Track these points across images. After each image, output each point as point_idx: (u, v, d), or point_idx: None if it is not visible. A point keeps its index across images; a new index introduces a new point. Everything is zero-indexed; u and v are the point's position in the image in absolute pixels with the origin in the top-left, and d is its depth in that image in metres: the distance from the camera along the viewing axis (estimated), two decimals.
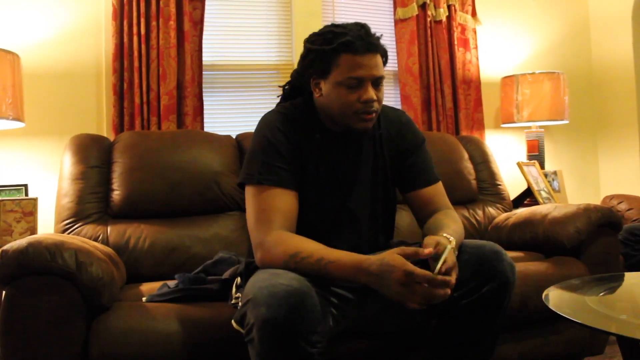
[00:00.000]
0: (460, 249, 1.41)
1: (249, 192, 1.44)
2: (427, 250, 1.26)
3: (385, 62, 1.47)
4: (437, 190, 1.58)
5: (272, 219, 1.38)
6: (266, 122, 1.50)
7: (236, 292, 1.53)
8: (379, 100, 1.44)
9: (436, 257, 1.26)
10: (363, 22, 1.44)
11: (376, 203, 1.57)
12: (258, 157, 1.44)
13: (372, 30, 1.44)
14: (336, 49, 1.38)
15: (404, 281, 1.20)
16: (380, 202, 1.58)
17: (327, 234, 1.48)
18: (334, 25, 1.44)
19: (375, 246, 1.57)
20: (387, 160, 1.57)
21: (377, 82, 1.42)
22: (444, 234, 1.35)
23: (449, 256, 1.25)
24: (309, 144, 1.49)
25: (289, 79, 1.63)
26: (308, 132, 1.49)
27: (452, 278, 1.23)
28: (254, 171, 1.43)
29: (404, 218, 2.31)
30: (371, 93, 1.40)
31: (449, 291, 1.23)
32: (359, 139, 1.53)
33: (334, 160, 1.51)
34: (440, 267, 1.22)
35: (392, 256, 1.24)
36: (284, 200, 1.41)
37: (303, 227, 1.44)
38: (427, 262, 1.29)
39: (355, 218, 1.53)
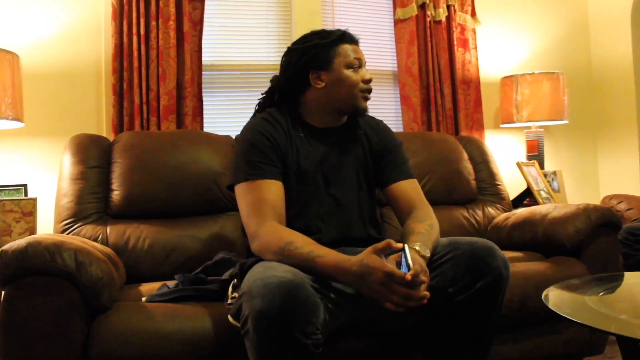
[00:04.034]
0: (453, 245, 1.45)
1: (239, 190, 1.55)
2: (399, 244, 1.35)
3: None
4: (412, 186, 1.68)
5: (263, 210, 1.48)
6: (246, 127, 1.63)
7: (232, 292, 1.54)
8: None
9: (402, 262, 1.31)
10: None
11: (361, 194, 1.67)
12: (242, 158, 1.57)
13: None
14: (335, 41, 1.61)
15: (384, 281, 1.26)
16: (364, 195, 1.68)
17: (315, 219, 1.58)
18: (320, 30, 1.67)
19: (368, 238, 1.63)
20: (368, 156, 1.69)
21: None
22: (408, 244, 1.37)
23: (414, 262, 1.28)
24: (293, 141, 1.61)
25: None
26: (292, 130, 1.62)
27: (425, 279, 1.29)
28: (240, 171, 1.55)
29: None
30: (369, 73, 1.64)
31: (427, 294, 1.27)
32: (342, 135, 1.68)
33: (319, 153, 1.63)
34: (410, 272, 1.25)
35: (369, 257, 1.30)
36: (272, 191, 1.52)
37: (293, 218, 1.54)
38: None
39: (340, 205, 1.62)
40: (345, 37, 1.63)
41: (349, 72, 1.60)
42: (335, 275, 1.34)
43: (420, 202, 1.64)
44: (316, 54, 1.60)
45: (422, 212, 1.59)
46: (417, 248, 1.38)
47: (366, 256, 1.30)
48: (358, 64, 1.62)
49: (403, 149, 1.75)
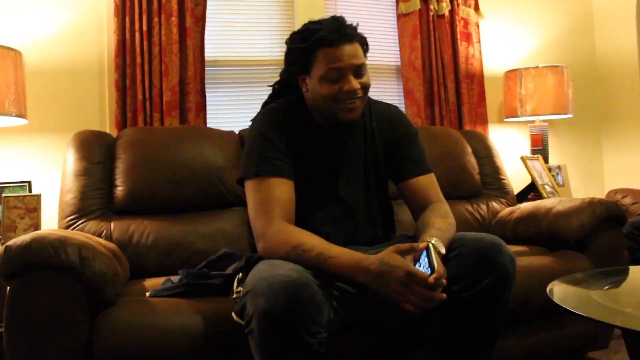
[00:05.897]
0: (460, 241, 1.42)
1: (249, 186, 1.49)
2: (422, 244, 1.31)
3: (365, 50, 1.50)
4: (430, 181, 1.60)
5: (272, 210, 1.42)
6: (258, 119, 1.55)
7: (237, 287, 1.54)
8: (365, 87, 1.47)
9: (421, 261, 1.28)
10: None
11: (370, 194, 1.60)
12: (253, 151, 1.49)
13: (348, 22, 1.47)
14: (312, 46, 1.43)
15: (405, 281, 1.22)
16: (374, 193, 1.61)
17: (323, 224, 1.52)
18: (311, 23, 1.48)
19: (374, 238, 1.59)
20: (378, 152, 1.61)
21: (358, 70, 1.45)
22: (427, 238, 1.35)
23: (437, 263, 1.25)
24: (301, 137, 1.53)
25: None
26: (300, 126, 1.54)
27: (445, 282, 1.26)
28: (250, 165, 1.48)
29: (406, 213, 2.30)
30: (353, 82, 1.43)
31: (444, 296, 1.24)
32: (350, 131, 1.58)
33: (326, 153, 1.56)
34: (434, 275, 1.22)
35: (391, 256, 1.27)
36: (283, 190, 1.45)
37: (299, 219, 1.47)
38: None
39: (349, 208, 1.57)
40: (325, 40, 1.40)
41: (324, 84, 1.43)
42: (351, 274, 1.29)
43: (437, 198, 1.57)
44: (296, 58, 1.48)
45: (442, 208, 1.53)
46: (434, 242, 1.33)
47: (387, 254, 1.27)
48: (336, 76, 1.42)
49: (418, 139, 1.63)
